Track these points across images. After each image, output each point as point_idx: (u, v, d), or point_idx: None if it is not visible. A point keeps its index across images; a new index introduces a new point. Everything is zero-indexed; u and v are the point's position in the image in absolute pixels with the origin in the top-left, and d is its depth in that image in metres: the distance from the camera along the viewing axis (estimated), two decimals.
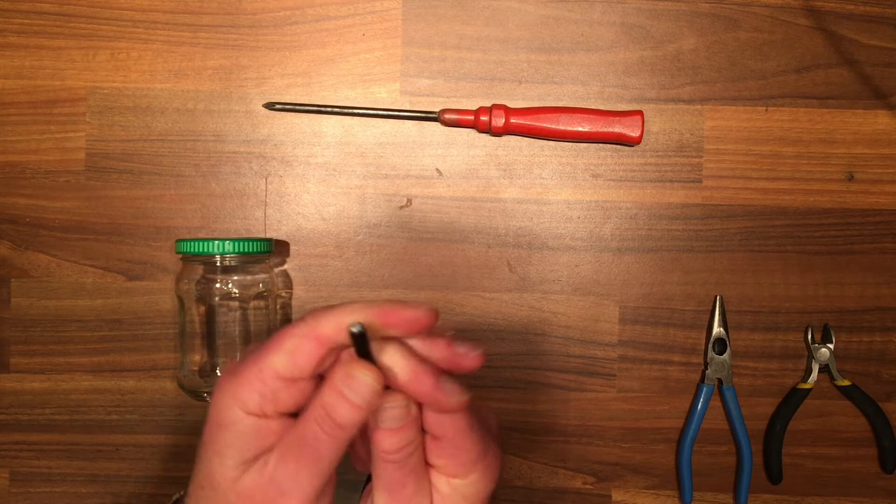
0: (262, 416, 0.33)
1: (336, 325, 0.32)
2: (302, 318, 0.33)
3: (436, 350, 0.34)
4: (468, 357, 0.34)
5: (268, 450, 0.33)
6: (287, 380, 0.32)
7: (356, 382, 0.31)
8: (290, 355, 0.32)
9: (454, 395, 0.33)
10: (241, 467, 0.33)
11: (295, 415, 0.33)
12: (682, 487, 0.57)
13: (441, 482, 0.34)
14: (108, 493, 0.57)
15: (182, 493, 0.37)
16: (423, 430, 0.34)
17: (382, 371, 0.32)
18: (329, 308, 0.33)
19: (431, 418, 0.34)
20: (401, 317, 0.32)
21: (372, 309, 0.32)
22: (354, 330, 0.31)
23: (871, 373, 0.57)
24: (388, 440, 0.33)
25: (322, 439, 0.32)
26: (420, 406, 0.33)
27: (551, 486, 0.57)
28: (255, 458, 0.33)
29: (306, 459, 0.32)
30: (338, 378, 0.32)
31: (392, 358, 0.32)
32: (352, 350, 0.32)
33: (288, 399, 0.32)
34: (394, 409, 0.33)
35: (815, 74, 0.56)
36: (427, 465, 0.35)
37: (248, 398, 0.32)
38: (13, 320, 0.56)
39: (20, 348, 0.56)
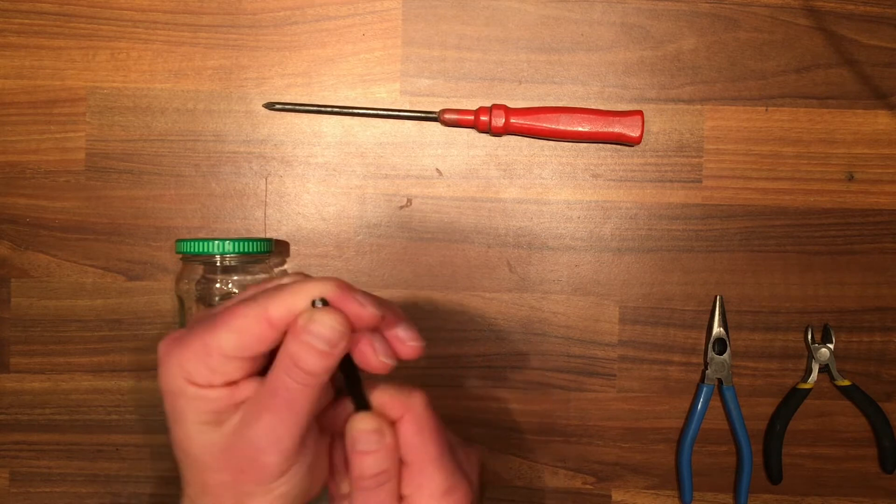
0: (209, 387, 0.32)
1: (288, 309, 0.31)
2: (253, 297, 0.32)
3: (385, 322, 0.33)
4: (406, 344, 0.34)
5: (225, 409, 0.32)
6: (234, 358, 0.32)
7: (319, 327, 0.31)
8: (238, 334, 0.31)
9: (382, 351, 0.32)
10: (204, 429, 0.32)
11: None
12: (682, 487, 0.57)
13: None
14: (108, 493, 0.57)
15: None
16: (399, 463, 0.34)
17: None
18: (280, 288, 0.32)
19: (403, 440, 0.33)
20: (349, 309, 0.32)
21: (326, 289, 0.32)
22: (318, 304, 0.31)
23: (871, 373, 0.57)
24: (363, 464, 0.32)
25: (293, 389, 0.31)
26: (395, 434, 0.33)
27: (551, 486, 0.57)
28: (216, 419, 0.32)
29: (280, 411, 0.31)
30: (301, 325, 0.31)
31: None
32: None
33: (234, 371, 0.32)
34: (369, 432, 0.32)
35: (815, 74, 0.56)
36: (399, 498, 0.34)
37: (194, 370, 0.32)
38: (13, 320, 0.56)
39: (20, 348, 0.56)
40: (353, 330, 0.32)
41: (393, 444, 0.33)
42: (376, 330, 0.33)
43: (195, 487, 0.33)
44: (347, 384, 0.33)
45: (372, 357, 0.32)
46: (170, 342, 0.33)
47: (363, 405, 0.34)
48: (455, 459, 0.35)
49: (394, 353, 0.33)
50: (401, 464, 0.34)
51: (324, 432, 0.35)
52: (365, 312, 0.32)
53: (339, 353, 0.31)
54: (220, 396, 0.32)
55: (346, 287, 0.32)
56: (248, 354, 0.32)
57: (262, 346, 0.32)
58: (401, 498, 0.34)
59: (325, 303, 0.31)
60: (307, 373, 0.31)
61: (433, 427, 0.34)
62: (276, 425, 0.31)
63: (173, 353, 0.33)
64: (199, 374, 0.32)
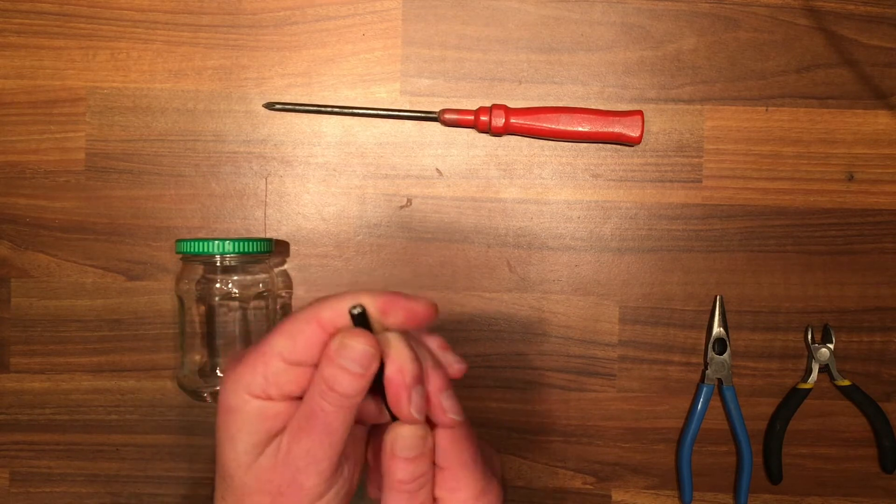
0: (267, 398, 0.33)
1: (336, 311, 0.33)
2: (307, 305, 0.34)
3: (430, 346, 0.35)
4: (452, 365, 0.35)
5: (277, 432, 0.33)
6: (290, 363, 0.33)
7: (350, 351, 0.32)
8: (292, 339, 0.33)
9: (416, 406, 0.33)
10: (253, 451, 0.33)
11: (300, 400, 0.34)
12: (682, 487, 0.57)
13: None
14: (108, 493, 0.57)
15: None
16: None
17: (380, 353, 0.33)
18: (332, 296, 0.34)
19: (438, 447, 0.34)
20: (401, 306, 0.33)
21: (374, 297, 0.33)
22: (354, 311, 0.32)
23: (871, 373, 0.57)
24: (402, 470, 0.33)
25: (329, 411, 0.32)
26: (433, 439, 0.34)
27: (551, 486, 0.57)
28: (267, 442, 0.33)
29: (317, 434, 0.32)
30: (333, 349, 0.32)
31: (391, 342, 0.33)
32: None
33: (291, 383, 0.33)
34: (409, 439, 0.33)
35: (815, 74, 0.56)
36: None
37: (251, 381, 0.33)
38: (13, 320, 0.56)
39: (20, 348, 0.56)
40: (410, 328, 0.33)
41: (431, 450, 0.34)
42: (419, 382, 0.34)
43: (230, 503, 0.34)
44: (382, 395, 0.34)
45: (405, 406, 0.33)
46: (231, 360, 0.35)
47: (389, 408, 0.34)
48: (485, 462, 0.36)
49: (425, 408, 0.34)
50: (437, 468, 0.35)
51: (358, 463, 0.37)
52: (419, 307, 0.33)
53: (371, 374, 0.32)
54: (277, 412, 0.33)
55: (394, 292, 0.33)
56: (302, 358, 0.33)
57: (314, 351, 0.33)
58: (434, 499, 0.35)
59: (361, 310, 0.32)
60: (341, 395, 0.32)
61: (466, 434, 0.35)
62: (314, 447, 0.32)
63: (233, 368, 0.34)
64: (257, 384, 0.33)
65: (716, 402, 0.57)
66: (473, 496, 0.35)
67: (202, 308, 0.54)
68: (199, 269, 0.53)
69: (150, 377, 0.56)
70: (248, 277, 0.53)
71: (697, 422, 0.56)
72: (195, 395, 0.54)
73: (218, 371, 0.54)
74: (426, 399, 0.33)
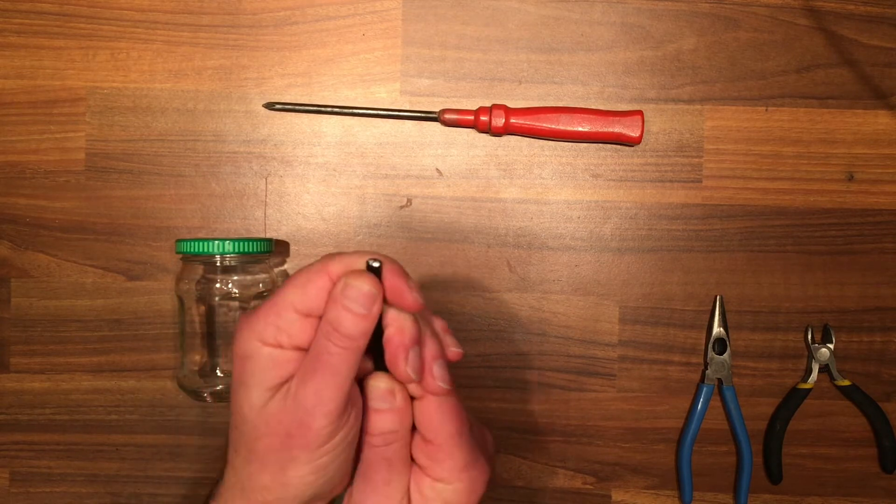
0: (279, 346, 0.34)
1: (345, 264, 0.34)
2: (318, 259, 0.35)
3: (432, 322, 0.36)
4: (450, 348, 0.37)
5: (287, 378, 0.35)
6: (300, 313, 0.34)
7: (354, 290, 0.33)
8: (303, 289, 0.34)
9: (412, 365, 0.34)
10: (265, 395, 0.34)
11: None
12: (682, 487, 0.57)
13: (425, 484, 0.36)
14: (108, 493, 0.57)
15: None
16: (413, 429, 0.36)
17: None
18: (342, 251, 0.36)
19: (425, 417, 0.35)
20: (396, 286, 0.34)
21: (386, 262, 0.34)
22: (374, 263, 0.34)
23: (871, 373, 0.57)
24: (374, 421, 0.35)
25: (334, 352, 0.33)
26: (411, 400, 0.35)
27: (551, 486, 0.57)
28: (278, 387, 0.35)
29: (323, 374, 0.33)
30: (338, 290, 0.33)
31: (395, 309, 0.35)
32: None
33: (301, 332, 0.34)
34: (380, 389, 0.35)
35: (815, 74, 0.56)
36: (415, 464, 0.36)
37: (264, 330, 0.34)
38: (13, 320, 0.56)
39: (20, 348, 0.56)
40: (389, 301, 0.35)
41: (403, 408, 0.35)
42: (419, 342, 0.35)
43: (242, 454, 0.35)
44: (372, 351, 0.35)
45: (401, 366, 0.34)
46: (248, 312, 0.36)
47: (383, 369, 0.36)
48: (473, 437, 0.37)
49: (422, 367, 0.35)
50: (424, 441, 0.36)
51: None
52: (409, 294, 0.34)
53: (373, 315, 0.34)
54: (288, 359, 0.34)
55: (400, 266, 0.35)
56: (312, 308, 0.34)
57: (322, 301, 0.34)
58: (420, 467, 0.36)
59: (379, 264, 0.34)
60: (345, 335, 0.33)
61: (454, 406, 0.36)
62: (322, 388, 0.33)
63: (247, 318, 0.35)
64: (269, 333, 0.34)
65: (716, 402, 0.57)
66: (458, 468, 0.36)
67: (202, 308, 0.54)
68: (199, 269, 0.53)
69: (150, 377, 0.56)
70: (248, 277, 0.53)
71: (697, 422, 0.56)
72: (195, 395, 0.54)
73: (218, 371, 0.54)
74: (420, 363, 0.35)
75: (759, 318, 0.57)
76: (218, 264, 0.52)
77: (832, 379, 0.56)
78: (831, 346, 0.56)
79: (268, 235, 0.56)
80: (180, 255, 0.54)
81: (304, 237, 0.56)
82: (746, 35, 0.56)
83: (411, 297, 0.34)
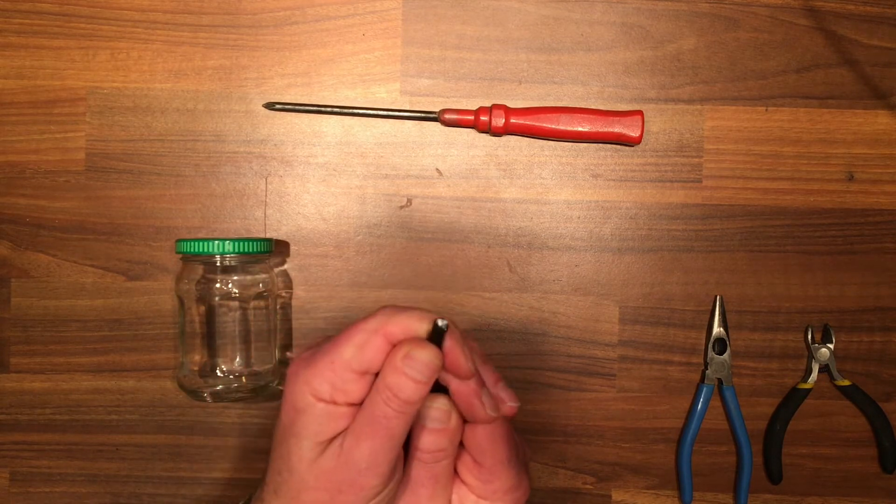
0: (332, 402, 0.35)
1: (403, 327, 0.35)
2: (372, 315, 0.36)
3: (485, 377, 0.37)
4: (506, 404, 0.38)
5: (340, 433, 0.35)
6: (356, 372, 0.35)
7: (417, 362, 0.34)
8: (360, 349, 0.34)
9: (492, 406, 0.36)
10: (317, 448, 0.35)
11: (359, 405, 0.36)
12: (682, 487, 0.57)
13: (469, 500, 0.37)
14: (108, 493, 0.57)
15: (249, 496, 0.39)
16: (461, 446, 0.37)
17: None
18: (397, 308, 0.36)
19: (477, 443, 0.36)
20: (455, 352, 0.35)
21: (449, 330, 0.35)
22: (442, 324, 0.34)
23: (871, 373, 0.57)
24: (426, 439, 0.35)
25: (391, 416, 0.34)
26: (464, 421, 0.36)
27: (551, 486, 0.57)
28: (329, 441, 0.35)
29: (379, 437, 0.34)
30: (399, 359, 0.34)
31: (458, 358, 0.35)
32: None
33: (356, 390, 0.35)
34: (438, 410, 0.35)
35: (815, 74, 0.56)
36: (460, 479, 0.38)
37: (319, 386, 0.35)
38: (13, 320, 0.56)
39: (20, 348, 0.56)
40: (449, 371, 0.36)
41: (456, 430, 0.36)
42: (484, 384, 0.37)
43: (285, 500, 0.36)
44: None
45: (480, 410, 0.36)
46: (300, 361, 0.36)
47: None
48: (520, 460, 0.38)
49: (499, 407, 0.37)
50: (474, 462, 0.37)
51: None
52: (464, 363, 0.35)
53: (432, 383, 0.34)
54: (341, 415, 0.35)
55: (458, 331, 0.36)
56: (368, 368, 0.35)
57: (379, 361, 0.35)
58: (466, 484, 0.37)
59: (446, 326, 0.34)
60: (404, 401, 0.34)
61: (505, 432, 0.37)
62: (376, 450, 0.34)
63: (301, 370, 0.35)
64: (324, 390, 0.35)
65: (716, 402, 0.57)
66: (504, 489, 0.37)
67: (202, 308, 0.54)
68: (199, 269, 0.53)
69: (150, 377, 0.56)
70: (248, 277, 0.53)
71: (697, 422, 0.56)
72: (195, 395, 0.54)
73: (218, 371, 0.54)
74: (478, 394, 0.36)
75: (759, 318, 0.57)
76: (218, 264, 0.52)
77: (832, 379, 0.56)
78: (831, 346, 0.56)
79: (268, 235, 0.56)
80: (180, 255, 0.54)
81: (304, 237, 0.56)
82: (746, 35, 0.56)
83: (465, 368, 0.35)
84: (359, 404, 0.35)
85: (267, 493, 0.37)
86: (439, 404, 0.35)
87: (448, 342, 0.35)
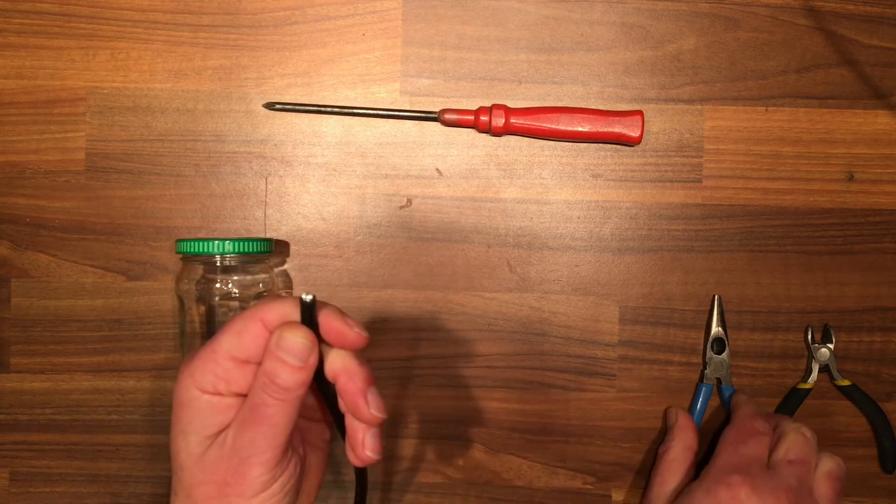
0: (217, 394, 0.35)
1: (279, 311, 0.34)
2: (251, 306, 0.36)
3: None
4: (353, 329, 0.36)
5: (225, 426, 0.35)
6: (237, 360, 0.34)
7: (288, 342, 0.33)
8: (238, 336, 0.34)
9: (374, 405, 0.35)
10: (203, 443, 0.35)
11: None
12: None
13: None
14: (108, 493, 0.57)
15: None
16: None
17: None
18: (273, 297, 0.36)
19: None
20: (335, 326, 0.34)
21: (319, 311, 0.34)
22: (306, 298, 0.33)
23: (871, 373, 0.57)
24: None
25: (270, 404, 0.34)
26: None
27: (551, 486, 0.57)
28: (216, 434, 0.35)
29: (260, 425, 0.34)
30: (273, 343, 0.34)
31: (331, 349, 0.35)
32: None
33: (239, 379, 0.35)
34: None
35: (815, 74, 0.56)
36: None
37: (202, 378, 0.34)
38: (13, 320, 0.56)
39: (20, 348, 0.56)
40: (333, 345, 0.35)
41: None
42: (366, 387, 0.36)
43: (181, 499, 0.36)
44: (326, 397, 0.36)
45: (364, 410, 0.35)
46: (188, 358, 0.36)
47: (333, 405, 0.36)
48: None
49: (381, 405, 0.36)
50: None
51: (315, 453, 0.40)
52: (351, 331, 0.34)
53: (310, 366, 0.34)
54: (226, 407, 0.35)
55: (335, 307, 0.35)
56: (248, 355, 0.34)
57: (259, 349, 0.34)
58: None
59: (311, 298, 0.33)
60: (282, 388, 0.33)
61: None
62: (258, 438, 0.34)
63: (186, 365, 0.35)
64: (207, 381, 0.34)
65: (715, 402, 0.57)
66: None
67: (202, 308, 0.54)
68: (199, 269, 0.53)
69: (150, 377, 0.56)
70: (248, 277, 0.53)
71: (696, 421, 0.56)
72: None
73: None
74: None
75: (759, 318, 0.57)
76: (218, 264, 0.52)
77: (832, 379, 0.56)
78: (831, 346, 0.56)
79: (268, 235, 0.56)
80: (180, 255, 0.54)
81: (304, 237, 0.56)
82: (746, 35, 0.56)
83: (353, 334, 0.34)
84: (244, 395, 0.35)
85: (172, 497, 0.36)
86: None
87: (323, 315, 0.34)
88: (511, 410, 0.57)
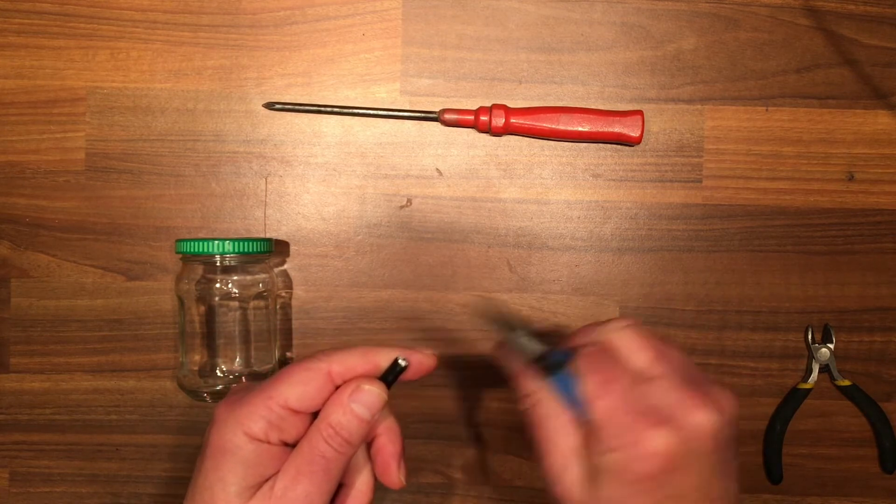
0: (265, 441, 0.34)
1: (347, 367, 0.34)
2: (313, 356, 0.35)
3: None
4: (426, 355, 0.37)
5: (269, 476, 0.34)
6: (293, 409, 0.34)
7: (366, 396, 0.34)
8: (303, 387, 0.34)
9: (403, 472, 0.37)
10: (246, 493, 0.33)
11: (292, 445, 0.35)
12: None
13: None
14: (108, 493, 0.57)
15: None
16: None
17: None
18: (336, 350, 0.35)
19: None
20: (419, 358, 0.35)
21: (402, 353, 0.35)
22: (402, 363, 0.34)
23: (871, 373, 0.57)
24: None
25: (331, 456, 0.33)
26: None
27: None
28: (258, 484, 0.34)
29: (316, 477, 0.33)
30: (346, 395, 0.34)
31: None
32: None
33: (291, 428, 0.34)
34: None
35: (815, 74, 0.56)
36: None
37: (253, 424, 0.33)
38: (13, 320, 0.56)
39: (20, 348, 0.56)
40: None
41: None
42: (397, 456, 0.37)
43: None
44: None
45: (394, 474, 0.36)
46: (226, 405, 0.35)
47: None
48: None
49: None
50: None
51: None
52: (426, 362, 0.36)
53: (376, 423, 0.35)
54: (273, 456, 0.34)
55: (410, 350, 0.36)
56: (308, 407, 0.34)
57: (320, 400, 0.34)
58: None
59: (407, 363, 0.35)
60: (346, 440, 0.34)
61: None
62: (313, 491, 0.33)
63: (232, 411, 0.34)
64: (259, 427, 0.33)
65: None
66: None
67: (202, 308, 0.54)
68: (199, 269, 0.53)
69: (150, 377, 0.56)
70: (248, 277, 0.53)
71: None
72: (195, 395, 0.54)
73: (218, 371, 0.54)
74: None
75: (759, 318, 0.57)
76: (218, 264, 0.52)
77: (832, 379, 0.56)
78: (831, 346, 0.56)
79: (268, 235, 0.56)
80: (180, 255, 0.54)
81: (304, 237, 0.56)
82: (746, 35, 0.56)
83: (427, 364, 0.36)
84: (291, 445, 0.34)
85: None
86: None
87: (412, 357, 0.35)
88: (511, 410, 0.57)
